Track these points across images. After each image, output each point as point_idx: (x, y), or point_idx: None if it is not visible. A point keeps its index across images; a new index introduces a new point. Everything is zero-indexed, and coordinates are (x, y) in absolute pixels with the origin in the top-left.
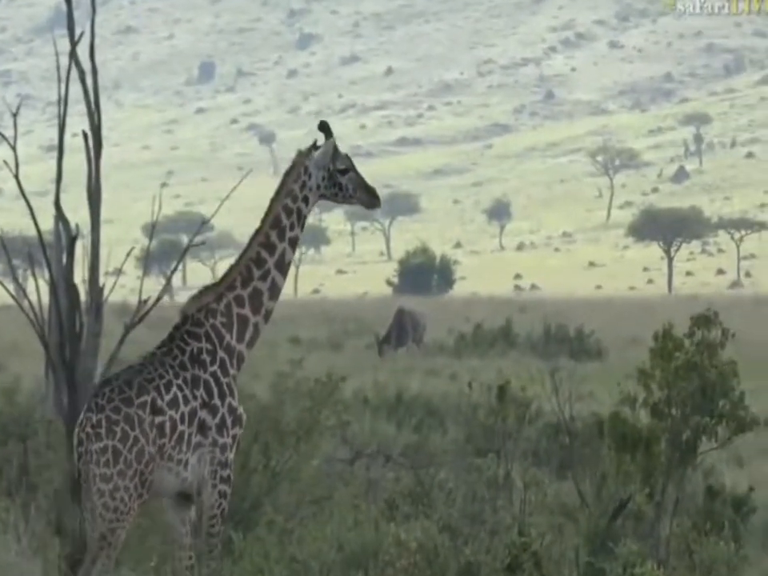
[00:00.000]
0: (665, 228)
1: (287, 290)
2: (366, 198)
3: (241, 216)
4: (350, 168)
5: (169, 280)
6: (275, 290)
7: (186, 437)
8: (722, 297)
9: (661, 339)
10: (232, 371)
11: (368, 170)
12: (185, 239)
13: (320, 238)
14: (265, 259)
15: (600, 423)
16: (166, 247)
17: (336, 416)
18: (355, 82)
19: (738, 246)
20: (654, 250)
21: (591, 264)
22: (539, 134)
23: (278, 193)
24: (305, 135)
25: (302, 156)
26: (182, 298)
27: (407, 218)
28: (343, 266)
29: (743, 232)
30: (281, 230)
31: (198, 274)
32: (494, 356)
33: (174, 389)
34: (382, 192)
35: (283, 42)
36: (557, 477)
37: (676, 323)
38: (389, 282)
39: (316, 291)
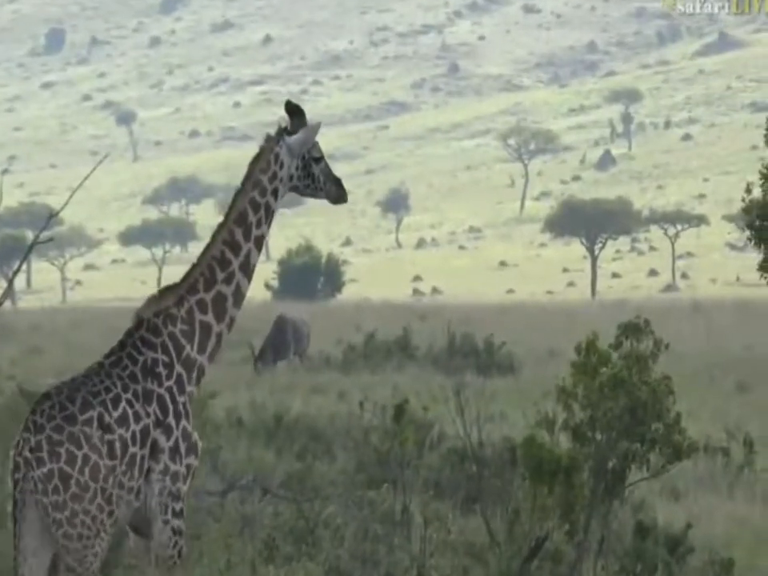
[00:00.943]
0: (588, 222)
1: (144, 294)
2: (335, 191)
3: (95, 208)
4: (323, 157)
5: (10, 282)
6: (239, 296)
7: (137, 460)
8: (655, 302)
9: (583, 351)
10: (189, 388)
11: (242, 155)
12: (30, 235)
13: (187, 233)
14: (229, 260)
15: (513, 449)
16: (7, 244)
17: (205, 440)
18: (228, 52)
19: (672, 244)
20: (576, 248)
21: (502, 264)
22: (442, 113)
23: (243, 184)
24: (169, 115)
25: (272, 142)
26: (27, 303)
27: (288, 210)
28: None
29: (679, 227)
30: (247, 228)
31: (46, 276)
32: (389, 371)
33: (123, 404)
34: None
35: (144, 6)
36: (462, 511)
37: (601, 333)
38: (267, 285)
39: None
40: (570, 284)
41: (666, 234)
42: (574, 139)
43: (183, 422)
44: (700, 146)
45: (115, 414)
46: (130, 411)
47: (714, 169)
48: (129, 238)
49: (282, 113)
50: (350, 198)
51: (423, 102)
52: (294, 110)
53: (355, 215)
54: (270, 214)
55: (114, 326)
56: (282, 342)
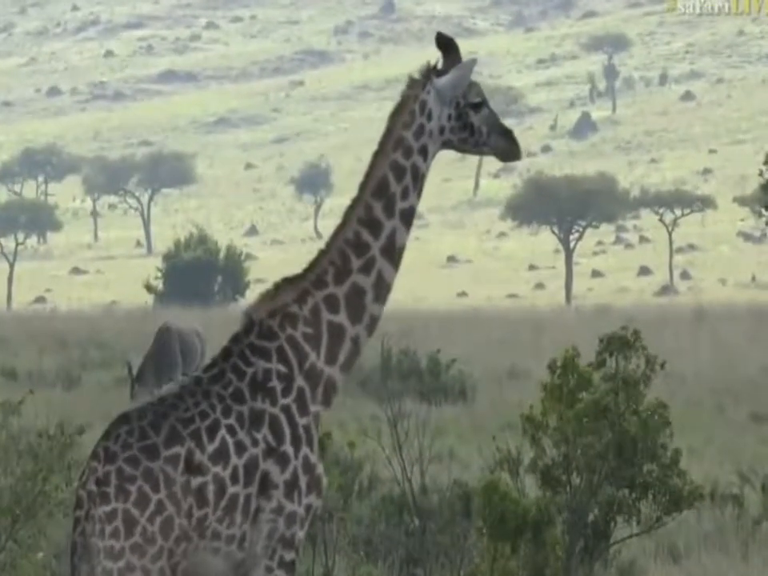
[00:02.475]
0: (560, 206)
1: None
2: (504, 144)
3: None
4: (485, 102)
5: None
6: (382, 289)
7: (240, 501)
8: (647, 308)
9: (557, 371)
10: (314, 408)
11: (116, 118)
12: None
13: (46, 219)
14: (367, 243)
15: (466, 497)
16: None
17: (71, 486)
18: None
19: (669, 233)
20: (545, 239)
21: (451, 260)
22: (373, 65)
23: (382, 144)
24: (21, 67)
25: (417, 87)
26: None
27: (176, 190)
28: (80, 262)
29: (678, 212)
30: (389, 200)
31: None
32: None
33: (222, 433)
34: (136, 151)
35: None
36: None
37: (578, 348)
38: (149, 287)
39: (40, 300)
40: (539, 285)
41: (661, 220)
42: (543, 99)
43: (304, 450)
44: (704, 107)
45: (210, 449)
46: (230, 441)
47: (723, 137)
48: None
49: (166, 65)
50: (255, 173)
51: (348, 52)
52: (447, 44)
53: (262, 196)
54: (418, 179)
55: None
56: (166, 359)
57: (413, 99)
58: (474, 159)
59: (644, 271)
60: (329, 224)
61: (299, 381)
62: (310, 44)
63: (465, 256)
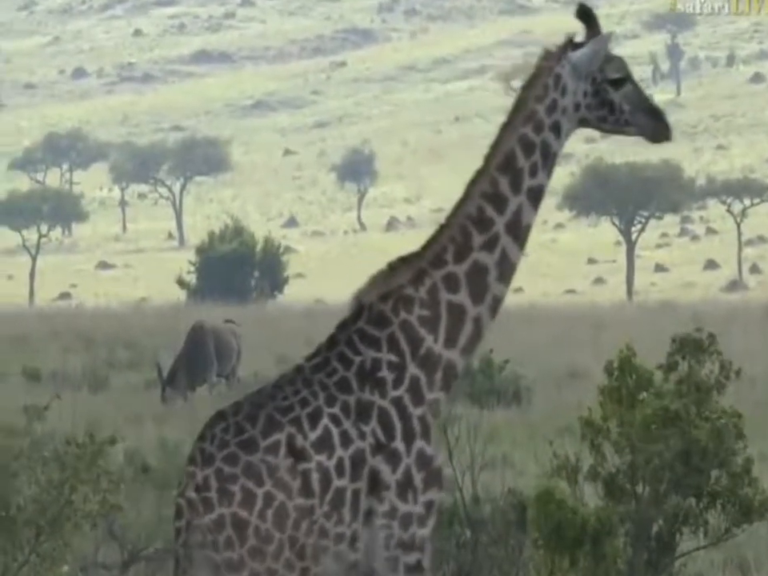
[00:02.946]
0: (622, 196)
1: (15, 297)
2: (651, 123)
3: None
4: (627, 78)
5: None
6: (506, 268)
7: (347, 497)
8: (714, 305)
9: (617, 373)
10: (431, 395)
11: (145, 102)
12: None
13: (70, 209)
14: (491, 219)
15: (521, 506)
16: None
17: (99, 497)
18: None
19: (738, 225)
20: (605, 231)
21: None
22: (420, 45)
23: (511, 117)
24: (44, 47)
25: (552, 59)
26: None
27: (209, 178)
28: (107, 255)
29: (747, 202)
30: (516, 176)
31: None
32: None
33: (325, 421)
34: (167, 137)
35: None
36: None
37: (641, 348)
38: (181, 282)
39: (64, 296)
40: (598, 280)
41: (729, 210)
42: None
43: (419, 444)
44: None
45: (312, 436)
46: (335, 431)
47: None
48: None
49: (199, 44)
50: (294, 160)
51: (394, 30)
52: (587, 16)
53: (302, 184)
54: (549, 157)
55: None
56: (200, 359)
57: (547, 72)
58: None
59: (711, 265)
60: (372, 214)
61: (412, 369)
62: (352, 22)
63: None
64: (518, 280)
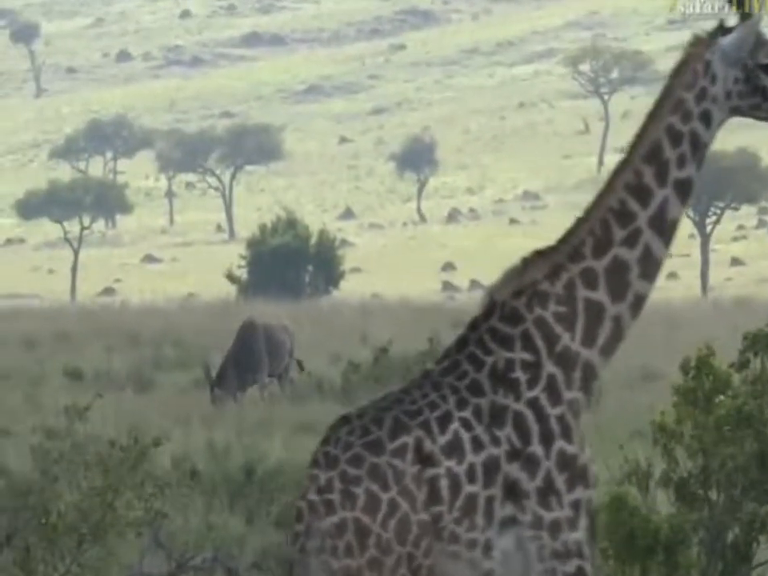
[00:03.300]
0: (696, 186)
1: (56, 293)
2: None
3: None
4: None
5: None
6: (650, 265)
7: (480, 504)
8: None
9: (692, 373)
10: (569, 395)
11: (193, 87)
12: None
13: (114, 200)
14: (633, 212)
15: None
16: None
17: (144, 503)
18: None
19: None
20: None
21: None
22: (483, 26)
23: (658, 106)
24: (87, 29)
25: (701, 45)
26: None
27: (261, 167)
28: (153, 249)
29: None
30: (661, 167)
31: None
32: None
33: (456, 425)
34: (217, 123)
35: None
36: None
37: (717, 345)
38: (231, 277)
39: (108, 292)
40: (671, 275)
41: None
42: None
43: (558, 445)
44: None
45: (442, 440)
46: (465, 436)
47: None
48: (30, 207)
49: (250, 26)
50: (351, 149)
51: (455, 11)
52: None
53: (358, 174)
54: (698, 148)
55: (3, 339)
56: (250, 359)
57: (696, 59)
58: (597, 132)
59: None
60: (432, 205)
61: (549, 367)
62: (412, 2)
63: None
64: None
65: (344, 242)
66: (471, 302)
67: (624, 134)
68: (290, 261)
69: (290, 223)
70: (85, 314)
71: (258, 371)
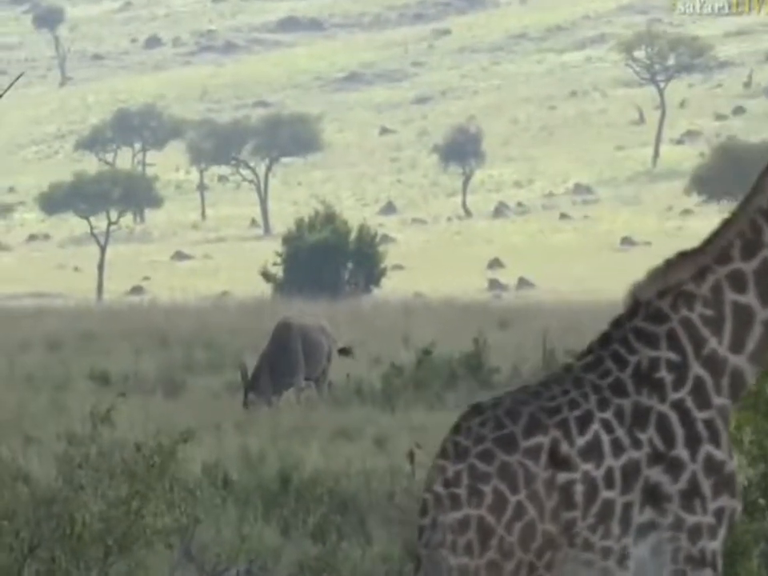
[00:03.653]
0: (755, 178)
1: (82, 291)
2: None
3: (2, 156)
4: None
5: None
6: None
7: (617, 510)
8: None
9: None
10: (718, 400)
11: (227, 74)
12: None
13: (142, 195)
14: None
15: None
16: None
17: (174, 511)
18: None
19: None
20: None
21: (626, 242)
22: (532, 10)
23: None
24: (114, 14)
25: None
26: None
27: (298, 159)
28: (184, 245)
29: None
30: None
31: None
32: (452, 405)
33: (596, 426)
34: (251, 113)
35: None
36: None
37: None
38: (266, 275)
39: (136, 290)
40: None
41: None
42: (735, 52)
43: (706, 449)
44: None
45: (580, 442)
46: (605, 438)
47: None
48: (54, 201)
49: (285, 11)
50: (393, 139)
51: None
52: None
53: (401, 167)
54: None
55: (27, 340)
56: (286, 361)
57: None
58: (652, 122)
59: None
60: (478, 199)
61: (696, 369)
62: None
63: (642, 237)
64: (640, 272)
65: (385, 238)
66: (519, 301)
67: (682, 123)
68: (328, 257)
69: (329, 218)
70: (112, 313)
71: (293, 374)
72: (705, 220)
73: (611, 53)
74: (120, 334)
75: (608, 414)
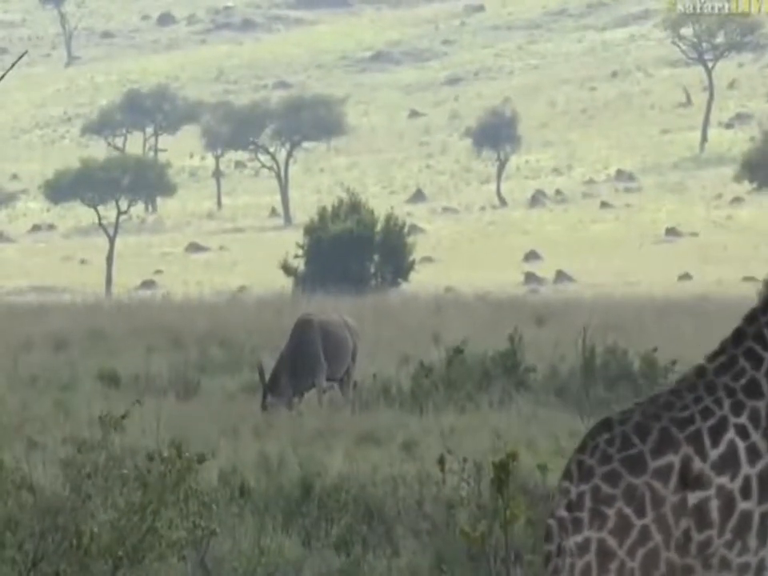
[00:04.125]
0: None
1: (90, 286)
2: None
3: (4, 141)
4: None
5: None
6: None
7: (754, 522)
8: None
9: None
10: None
11: (245, 53)
12: None
13: (154, 182)
14: None
15: None
16: None
17: (189, 522)
18: None
19: None
20: None
21: (671, 233)
22: None
23: None
24: None
25: None
26: None
27: (321, 144)
28: (199, 236)
29: None
30: None
31: None
32: (485, 407)
33: (730, 435)
34: (271, 95)
35: None
36: None
37: None
38: (287, 268)
39: (147, 285)
40: None
41: None
42: None
43: None
44: None
45: (713, 455)
46: (741, 446)
47: None
48: (60, 189)
49: None
50: (422, 123)
51: None
52: None
53: (430, 152)
54: None
55: (30, 338)
56: (307, 361)
57: None
58: (699, 104)
59: None
60: (514, 187)
61: None
62: None
63: (688, 228)
64: (686, 265)
65: (414, 228)
66: (557, 296)
67: (732, 106)
68: (353, 249)
69: (353, 207)
70: (121, 309)
71: (315, 374)
72: (756, 209)
73: (656, 30)
74: (130, 332)
75: (743, 419)
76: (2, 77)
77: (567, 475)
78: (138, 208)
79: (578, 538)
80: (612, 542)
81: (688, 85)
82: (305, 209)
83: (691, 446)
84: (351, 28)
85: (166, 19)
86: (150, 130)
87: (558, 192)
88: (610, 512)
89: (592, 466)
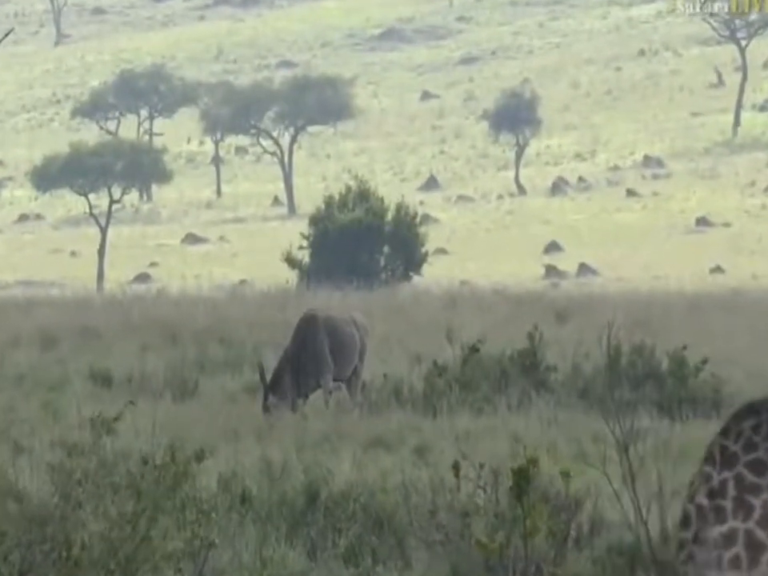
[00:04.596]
0: None
1: (80, 279)
2: None
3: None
4: None
5: None
6: None
7: None
8: None
9: None
10: None
11: (246, 31)
12: None
13: (149, 169)
14: None
15: None
16: None
17: (186, 531)
18: None
19: None
20: None
21: (702, 223)
22: None
23: None
24: None
25: None
26: None
27: (327, 128)
28: (197, 226)
29: None
30: None
31: None
32: (503, 409)
33: None
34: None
35: None
36: None
37: None
38: (291, 260)
39: (142, 279)
40: None
41: None
42: None
43: None
44: None
45: None
46: None
47: None
48: (48, 176)
49: None
50: (435, 105)
51: None
52: None
53: (444, 136)
54: None
55: (17, 335)
56: (311, 358)
57: None
58: (732, 85)
59: None
60: (534, 174)
61: None
62: None
63: (720, 218)
64: (717, 258)
65: (427, 218)
66: (579, 290)
67: (765, 86)
68: (362, 240)
69: (362, 195)
70: (114, 305)
71: (320, 374)
72: None
73: (684, 7)
74: (123, 329)
75: None
76: None
77: (709, 459)
78: (132, 196)
79: (723, 528)
80: (760, 533)
81: (720, 64)
82: (310, 197)
83: None
84: (360, 3)
85: None
86: (144, 112)
87: (580, 179)
88: (756, 502)
89: (736, 452)
